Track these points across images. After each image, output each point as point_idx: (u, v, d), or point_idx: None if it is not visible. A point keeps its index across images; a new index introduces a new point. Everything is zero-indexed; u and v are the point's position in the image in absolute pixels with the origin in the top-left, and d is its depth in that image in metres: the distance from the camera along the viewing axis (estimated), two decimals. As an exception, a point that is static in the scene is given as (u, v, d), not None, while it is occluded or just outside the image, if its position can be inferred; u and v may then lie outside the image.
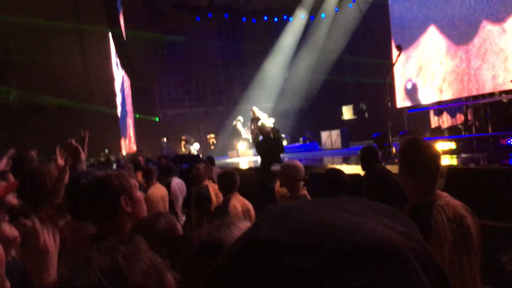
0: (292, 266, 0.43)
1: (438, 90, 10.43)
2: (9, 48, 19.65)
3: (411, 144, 2.24)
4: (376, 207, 0.55)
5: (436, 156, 2.18)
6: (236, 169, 5.12)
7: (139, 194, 2.03)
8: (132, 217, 1.95)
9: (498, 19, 8.89)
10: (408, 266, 0.45)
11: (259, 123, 14.60)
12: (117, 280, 0.89)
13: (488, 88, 9.13)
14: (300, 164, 4.25)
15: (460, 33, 9.78)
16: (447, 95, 10.28)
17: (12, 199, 2.43)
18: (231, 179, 4.30)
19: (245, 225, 1.31)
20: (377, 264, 0.44)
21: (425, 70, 10.87)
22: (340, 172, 4.10)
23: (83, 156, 3.16)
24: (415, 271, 0.45)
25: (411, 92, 11.34)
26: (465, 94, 9.81)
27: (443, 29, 10.30)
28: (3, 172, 4.19)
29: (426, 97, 10.94)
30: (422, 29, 10.88)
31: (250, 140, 15.45)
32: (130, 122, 20.19)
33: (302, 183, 4.18)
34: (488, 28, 9.06)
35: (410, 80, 11.35)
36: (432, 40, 10.62)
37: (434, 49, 10.58)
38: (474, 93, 9.52)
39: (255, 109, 14.42)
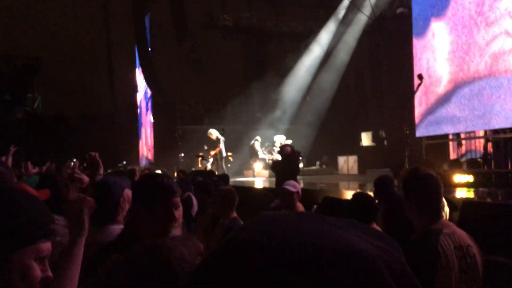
0: (264, 266, 0.48)
1: (457, 121, 10.32)
2: (39, 57, 20.22)
3: (413, 174, 2.27)
4: (361, 227, 0.58)
5: (438, 185, 2.20)
6: (245, 188, 5.46)
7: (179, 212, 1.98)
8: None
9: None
10: (377, 275, 0.48)
11: (278, 145, 14.64)
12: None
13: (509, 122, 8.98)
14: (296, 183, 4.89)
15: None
16: (467, 126, 10.15)
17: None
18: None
19: None
20: (346, 268, 0.48)
21: (446, 97, 10.77)
22: (369, 197, 3.65)
23: (101, 170, 3.31)
24: (385, 281, 0.48)
25: (432, 121, 11.24)
26: (486, 127, 9.67)
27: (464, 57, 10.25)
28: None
29: (446, 127, 10.83)
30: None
31: (267, 161, 15.47)
32: (143, 130, 20.67)
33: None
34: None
35: (430, 108, 11.27)
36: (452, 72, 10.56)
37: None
38: (495, 127, 9.38)
39: (212, 131, 13.58)
